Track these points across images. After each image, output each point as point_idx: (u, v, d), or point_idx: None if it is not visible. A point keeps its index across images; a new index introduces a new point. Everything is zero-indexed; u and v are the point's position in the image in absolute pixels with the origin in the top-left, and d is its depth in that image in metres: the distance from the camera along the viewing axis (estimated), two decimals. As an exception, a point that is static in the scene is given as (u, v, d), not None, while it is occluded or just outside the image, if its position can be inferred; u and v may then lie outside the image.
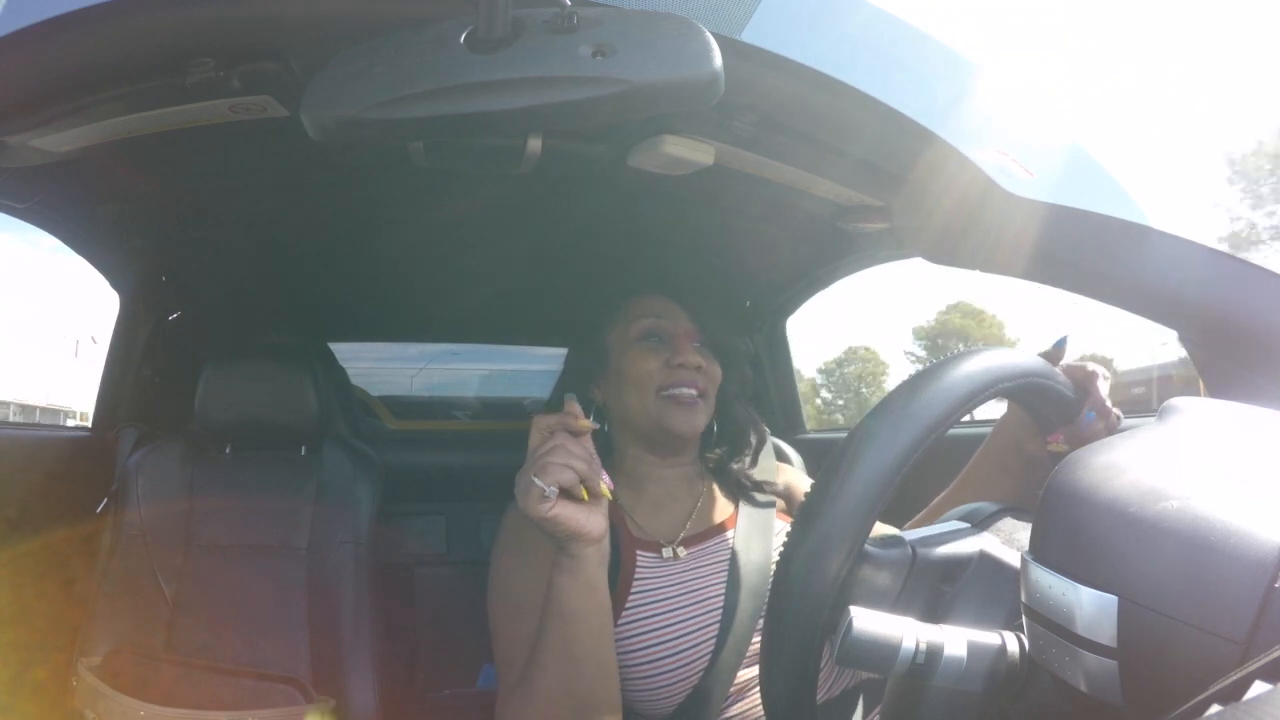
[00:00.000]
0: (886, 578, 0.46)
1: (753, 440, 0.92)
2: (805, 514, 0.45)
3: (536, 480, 0.62)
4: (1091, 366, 0.63)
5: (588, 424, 0.65)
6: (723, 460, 0.91)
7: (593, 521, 0.64)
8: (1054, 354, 0.63)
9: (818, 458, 0.70)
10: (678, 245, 1.24)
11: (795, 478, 0.98)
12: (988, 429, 0.76)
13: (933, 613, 0.46)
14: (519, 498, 0.63)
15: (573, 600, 0.65)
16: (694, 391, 0.83)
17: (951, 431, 0.47)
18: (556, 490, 0.62)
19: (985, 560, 0.46)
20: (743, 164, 0.85)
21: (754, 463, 0.92)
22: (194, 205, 1.17)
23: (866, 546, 0.46)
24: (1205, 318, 0.60)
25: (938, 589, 0.47)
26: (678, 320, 0.87)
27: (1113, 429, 0.63)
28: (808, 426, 1.74)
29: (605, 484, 0.64)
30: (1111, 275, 0.65)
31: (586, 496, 0.63)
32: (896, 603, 0.46)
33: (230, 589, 1.25)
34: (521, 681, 0.67)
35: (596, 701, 0.66)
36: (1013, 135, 0.69)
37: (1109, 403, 0.63)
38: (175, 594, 1.24)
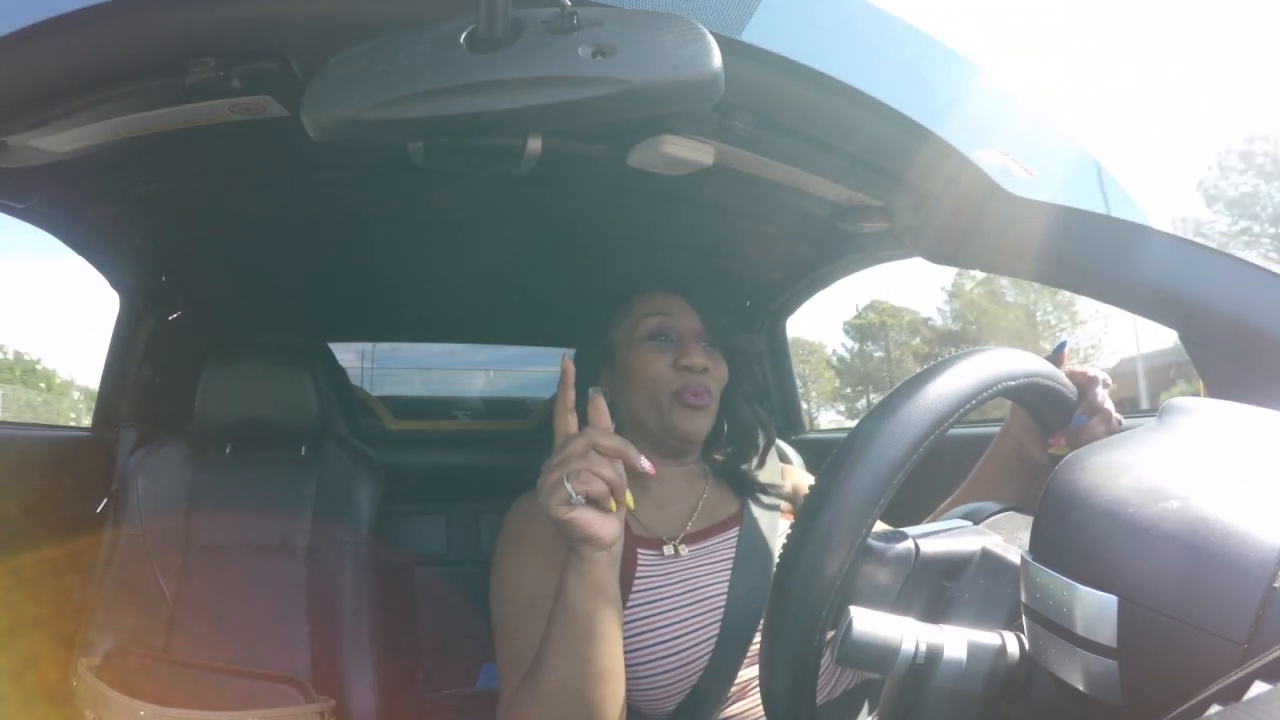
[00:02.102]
0: (889, 573, 0.46)
1: (761, 441, 0.92)
2: (806, 513, 0.45)
3: (567, 484, 0.61)
4: (1092, 371, 0.64)
5: (647, 466, 0.64)
6: (730, 461, 0.91)
7: (608, 527, 0.63)
8: (1054, 359, 0.63)
9: (818, 458, 0.70)
10: (680, 245, 1.24)
11: (801, 478, 0.98)
12: (992, 429, 0.76)
13: (935, 609, 0.46)
14: (542, 493, 0.62)
15: (581, 601, 0.64)
16: (702, 398, 0.83)
17: (957, 431, 0.47)
18: (584, 500, 0.61)
19: (988, 557, 0.46)
20: (743, 164, 0.85)
21: (762, 463, 0.92)
22: (194, 205, 1.17)
23: (870, 541, 0.46)
24: (1205, 318, 0.60)
25: (940, 585, 0.47)
26: (686, 319, 0.86)
27: (1114, 432, 0.63)
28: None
29: (629, 494, 0.64)
30: (1112, 275, 0.65)
31: (615, 508, 0.63)
32: (899, 599, 0.46)
33: (230, 589, 1.26)
34: (528, 681, 0.67)
35: (603, 704, 0.66)
36: (1013, 135, 0.69)
37: (1109, 406, 0.64)
38: (175, 594, 1.24)
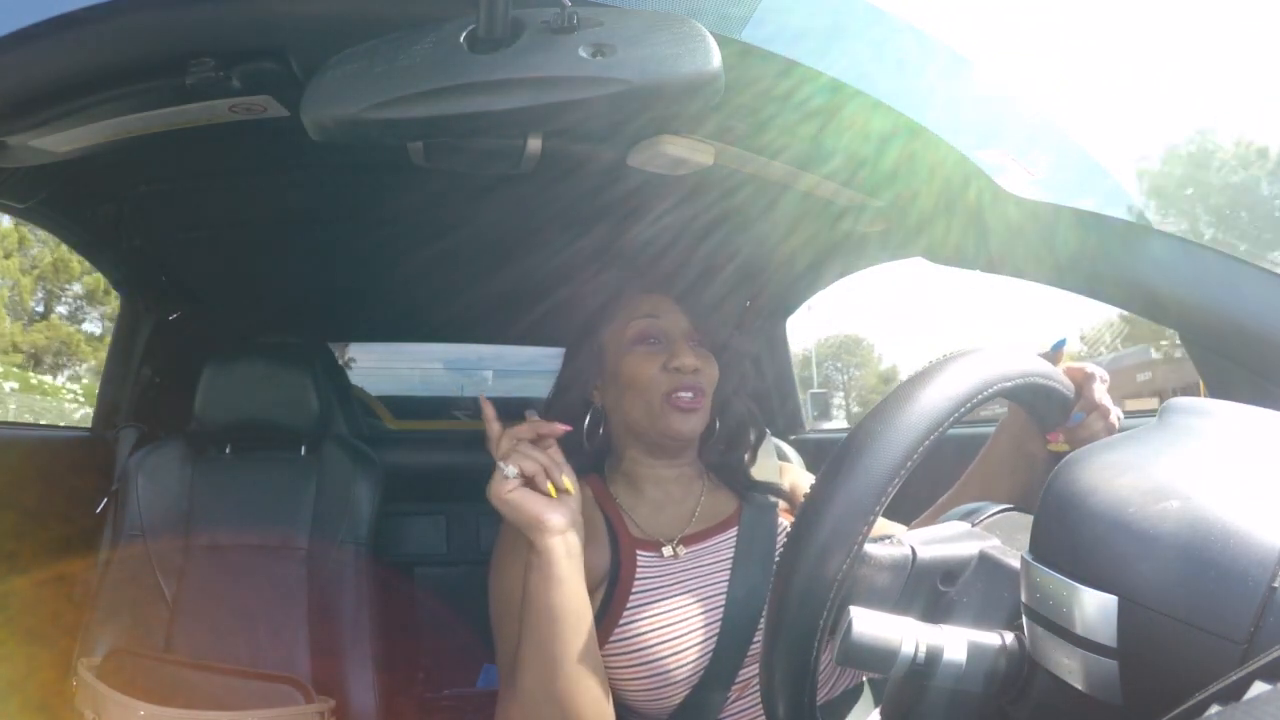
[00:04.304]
0: (887, 578, 0.46)
1: (752, 438, 0.92)
2: (806, 513, 0.45)
3: (500, 464, 0.67)
4: (1090, 368, 0.63)
5: (559, 428, 0.70)
6: (723, 459, 0.91)
7: (554, 511, 0.67)
8: (1052, 357, 0.63)
9: (818, 458, 0.70)
10: (674, 243, 1.24)
11: (798, 477, 0.98)
12: (991, 428, 0.76)
13: (933, 613, 0.46)
14: (487, 489, 0.67)
15: (544, 596, 0.66)
16: (693, 395, 0.82)
17: (957, 431, 0.47)
18: (516, 471, 0.66)
19: (985, 560, 0.46)
20: (743, 164, 0.85)
21: (753, 460, 0.92)
22: (194, 205, 1.17)
23: (867, 547, 0.46)
24: (1206, 318, 0.60)
25: (938, 589, 0.47)
26: (674, 319, 0.86)
27: (1113, 429, 0.63)
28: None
29: (568, 479, 0.69)
30: (1112, 275, 0.65)
31: (554, 493, 0.67)
32: (897, 603, 0.46)
33: (230, 589, 1.26)
34: (509, 683, 0.68)
35: (579, 701, 0.66)
36: (1013, 135, 0.69)
37: (1108, 403, 0.63)
38: (175, 594, 1.24)
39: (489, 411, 0.71)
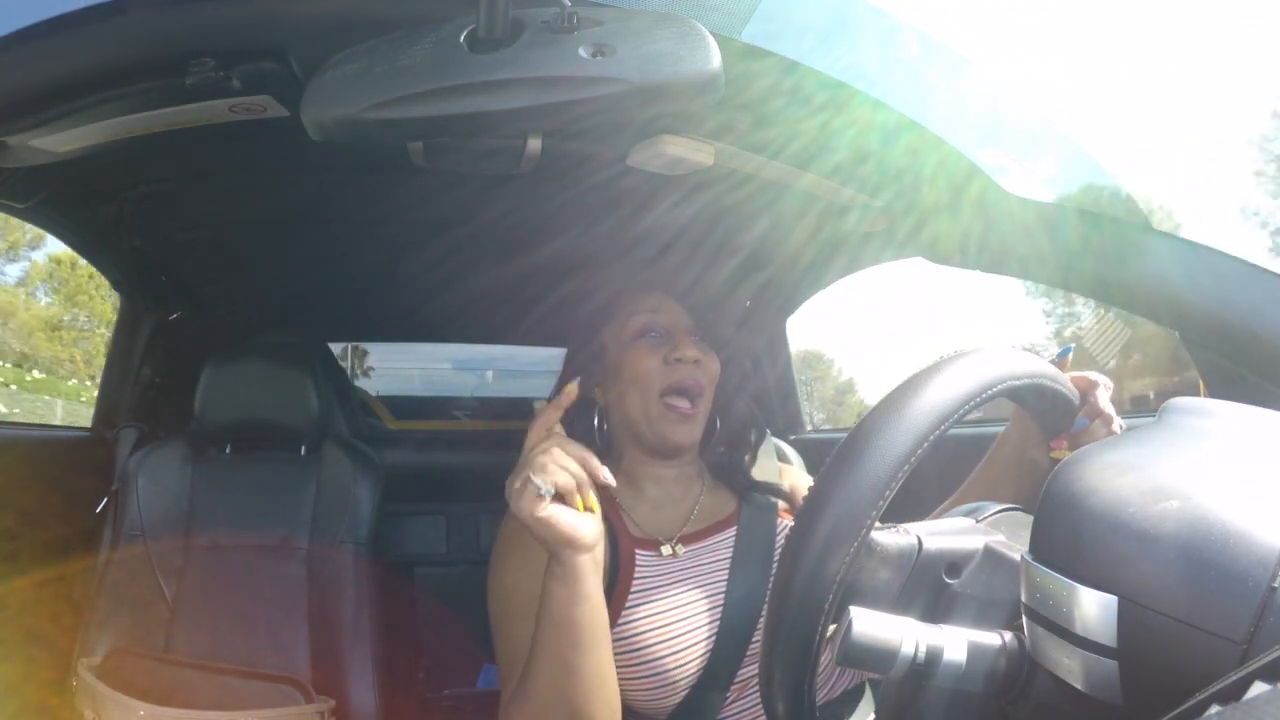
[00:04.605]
0: (892, 569, 0.46)
1: (752, 437, 0.92)
2: (807, 512, 0.44)
3: (534, 478, 0.59)
4: (1094, 376, 0.64)
5: (599, 471, 0.63)
6: (724, 458, 0.91)
7: (586, 526, 0.62)
8: (1057, 364, 0.63)
9: (818, 458, 0.70)
10: (675, 243, 1.24)
11: (799, 478, 0.98)
12: (993, 429, 0.76)
13: (937, 606, 0.46)
14: (511, 498, 0.61)
15: (567, 610, 0.64)
16: (690, 403, 0.82)
17: (958, 431, 0.47)
18: (553, 491, 0.60)
19: (990, 554, 0.46)
20: (743, 164, 0.85)
21: (753, 460, 0.92)
22: (194, 205, 1.17)
23: (873, 536, 0.46)
24: (1205, 318, 0.60)
25: (943, 581, 0.47)
26: (674, 315, 0.86)
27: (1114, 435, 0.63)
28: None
29: (593, 498, 0.63)
30: (1111, 276, 0.65)
31: (581, 508, 0.62)
32: (901, 595, 0.46)
33: (230, 589, 1.26)
34: (519, 687, 0.67)
35: (593, 710, 0.66)
36: (1013, 135, 0.69)
37: (1111, 410, 0.64)
38: (175, 594, 1.24)
39: (567, 399, 0.64)
